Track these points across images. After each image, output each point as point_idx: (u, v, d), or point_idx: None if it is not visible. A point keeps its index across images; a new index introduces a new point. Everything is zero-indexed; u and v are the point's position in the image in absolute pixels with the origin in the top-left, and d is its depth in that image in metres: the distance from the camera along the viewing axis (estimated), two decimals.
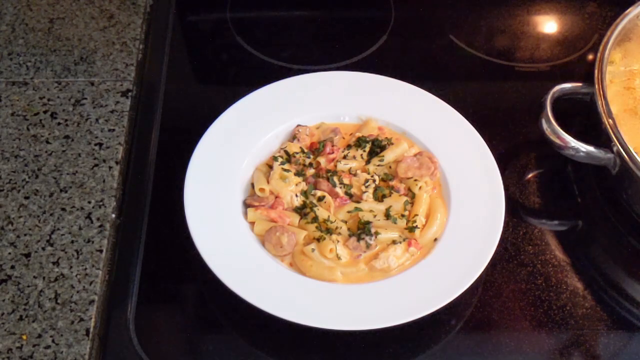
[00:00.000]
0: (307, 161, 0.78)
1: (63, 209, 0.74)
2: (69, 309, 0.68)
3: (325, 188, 0.76)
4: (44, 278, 0.69)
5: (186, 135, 0.80)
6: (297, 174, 0.77)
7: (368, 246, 0.71)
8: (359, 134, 0.80)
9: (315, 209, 0.74)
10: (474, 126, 0.80)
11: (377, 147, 0.79)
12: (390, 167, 0.78)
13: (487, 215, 0.73)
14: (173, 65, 0.93)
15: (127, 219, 0.77)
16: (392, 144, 0.79)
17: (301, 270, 0.71)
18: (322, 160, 0.78)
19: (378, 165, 0.78)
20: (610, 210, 0.80)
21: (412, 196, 0.75)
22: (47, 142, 0.80)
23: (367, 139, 0.79)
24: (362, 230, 0.73)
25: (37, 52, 0.88)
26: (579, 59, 0.96)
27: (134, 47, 0.89)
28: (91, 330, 0.67)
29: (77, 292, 0.69)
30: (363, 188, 0.76)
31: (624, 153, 0.72)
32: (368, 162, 0.79)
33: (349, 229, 0.74)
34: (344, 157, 0.79)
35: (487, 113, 0.88)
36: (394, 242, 0.72)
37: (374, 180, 0.76)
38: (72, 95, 0.84)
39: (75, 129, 0.81)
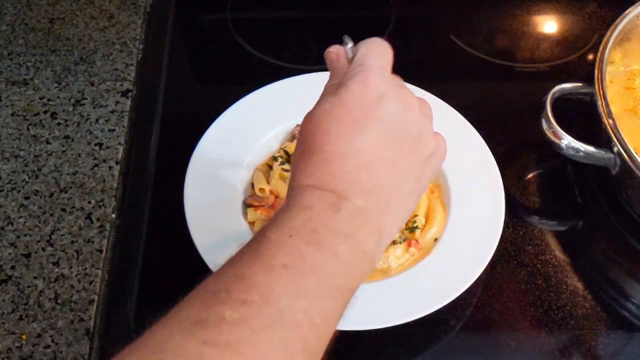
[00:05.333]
0: None
1: (63, 209, 0.74)
2: (69, 309, 0.68)
3: None
4: (44, 278, 0.69)
5: (186, 135, 0.79)
6: None
7: None
8: None
9: None
10: (474, 126, 0.80)
11: None
12: None
13: (487, 215, 0.73)
14: (173, 65, 0.93)
15: (127, 219, 0.77)
16: None
17: None
18: None
19: None
20: (610, 210, 0.80)
21: None
22: (47, 142, 0.79)
23: None
24: None
25: (37, 52, 0.88)
26: (579, 59, 0.96)
27: (134, 47, 0.89)
28: (91, 330, 0.67)
29: (77, 292, 0.69)
30: None
31: (624, 153, 0.72)
32: None
33: None
34: None
35: (487, 113, 0.88)
36: (394, 242, 0.72)
37: None
38: (72, 95, 0.84)
39: (75, 129, 0.81)
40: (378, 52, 0.53)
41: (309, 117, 0.51)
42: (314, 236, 0.44)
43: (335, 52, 0.55)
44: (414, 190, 0.51)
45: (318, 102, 0.51)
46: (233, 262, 0.44)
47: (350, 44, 0.55)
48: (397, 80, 0.53)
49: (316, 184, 0.46)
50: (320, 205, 0.45)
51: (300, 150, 0.50)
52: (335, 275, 0.44)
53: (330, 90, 0.52)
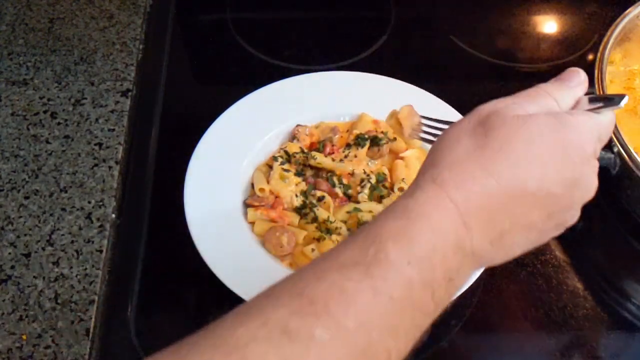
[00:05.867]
0: (307, 161, 0.78)
1: (63, 209, 0.74)
2: (69, 309, 0.68)
3: (324, 188, 0.76)
4: (44, 278, 0.69)
5: (186, 135, 0.79)
6: (297, 174, 0.77)
7: None
8: (356, 131, 0.80)
9: (315, 209, 0.74)
10: None
11: (375, 145, 0.79)
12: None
13: None
14: (173, 65, 0.93)
15: (127, 219, 0.77)
16: (390, 138, 0.79)
17: None
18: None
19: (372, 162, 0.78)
20: (610, 210, 0.80)
21: None
22: (47, 142, 0.79)
23: (366, 137, 0.79)
24: None
25: (37, 52, 0.88)
26: (579, 59, 0.96)
27: (134, 47, 0.89)
28: (91, 330, 0.67)
29: (77, 292, 0.69)
30: (358, 189, 0.76)
31: (624, 153, 0.72)
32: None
33: (348, 229, 0.73)
34: (345, 157, 0.78)
35: None
36: None
37: (369, 180, 0.76)
38: (72, 95, 0.84)
39: (75, 129, 0.81)
40: (609, 130, 0.51)
41: (514, 117, 0.47)
42: (428, 274, 0.42)
43: (584, 78, 0.53)
44: (524, 250, 0.49)
45: (523, 103, 0.49)
46: (341, 263, 0.41)
47: (621, 104, 0.52)
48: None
49: (461, 206, 0.43)
50: (448, 239, 0.43)
51: (475, 142, 0.46)
52: (425, 317, 0.43)
53: (549, 104, 0.49)
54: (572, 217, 0.49)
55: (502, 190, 0.44)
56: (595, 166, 0.49)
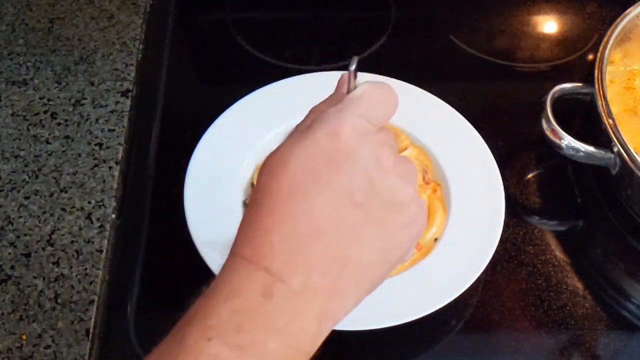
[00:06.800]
0: None
1: (63, 209, 0.74)
2: (69, 309, 0.68)
3: None
4: (44, 278, 0.69)
5: (186, 135, 0.80)
6: None
7: None
8: None
9: None
10: (474, 126, 0.80)
11: None
12: None
13: (487, 215, 0.73)
14: (173, 65, 0.93)
15: (127, 219, 0.77)
16: None
17: None
18: None
19: None
20: (610, 210, 0.80)
21: None
22: (47, 142, 0.79)
23: None
24: None
25: (37, 52, 0.88)
26: (579, 59, 0.96)
27: (134, 47, 0.89)
28: (91, 330, 0.67)
29: (77, 292, 0.69)
30: None
31: (624, 153, 0.72)
32: None
33: None
34: None
35: (487, 113, 0.88)
36: None
37: None
38: (72, 95, 0.84)
39: (75, 129, 0.81)
40: (372, 100, 0.46)
41: (270, 159, 0.44)
42: (238, 337, 0.38)
43: (345, 79, 0.48)
44: (377, 263, 0.44)
45: (284, 143, 0.45)
46: None
47: (352, 67, 0.48)
48: (381, 135, 0.45)
49: (252, 256, 0.40)
50: (251, 292, 0.39)
51: (251, 200, 0.43)
52: None
53: (301, 128, 0.46)
54: (400, 190, 0.44)
55: (290, 224, 0.41)
56: (375, 140, 0.44)
